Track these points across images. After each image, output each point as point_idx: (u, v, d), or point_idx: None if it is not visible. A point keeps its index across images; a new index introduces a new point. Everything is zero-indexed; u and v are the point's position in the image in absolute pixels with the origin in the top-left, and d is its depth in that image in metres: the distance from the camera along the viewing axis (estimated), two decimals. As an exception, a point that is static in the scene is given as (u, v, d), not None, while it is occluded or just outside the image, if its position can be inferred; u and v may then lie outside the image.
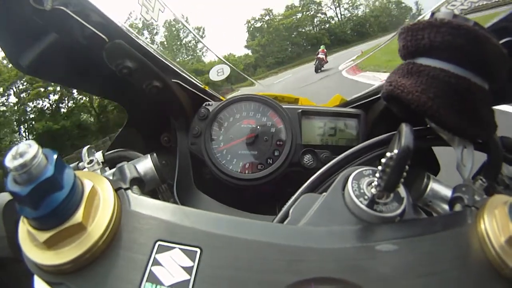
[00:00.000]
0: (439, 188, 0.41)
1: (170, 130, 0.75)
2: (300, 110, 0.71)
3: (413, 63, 0.38)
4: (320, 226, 0.30)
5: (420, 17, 0.40)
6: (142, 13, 0.65)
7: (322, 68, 15.73)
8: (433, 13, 0.37)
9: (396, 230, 0.29)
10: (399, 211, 0.30)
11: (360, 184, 0.31)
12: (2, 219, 0.38)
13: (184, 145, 0.70)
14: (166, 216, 0.29)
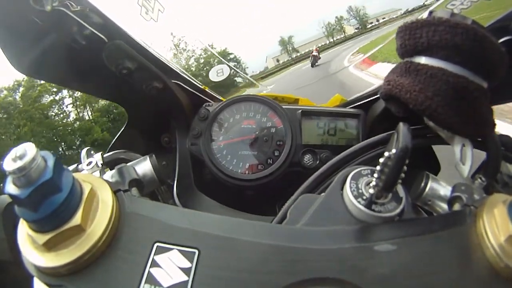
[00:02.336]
0: (438, 187, 0.41)
1: (170, 130, 0.75)
2: (300, 110, 0.72)
3: (411, 62, 0.38)
4: (319, 227, 0.30)
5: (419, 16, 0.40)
6: (141, 14, 0.65)
7: (316, 64, 18.73)
8: (431, 12, 0.37)
9: (395, 230, 0.29)
10: (397, 210, 0.30)
11: (358, 184, 0.31)
12: (2, 221, 0.38)
13: (184, 145, 0.70)
14: (164, 217, 0.29)
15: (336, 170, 0.41)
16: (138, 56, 0.57)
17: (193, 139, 0.70)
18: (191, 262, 0.27)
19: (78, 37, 0.52)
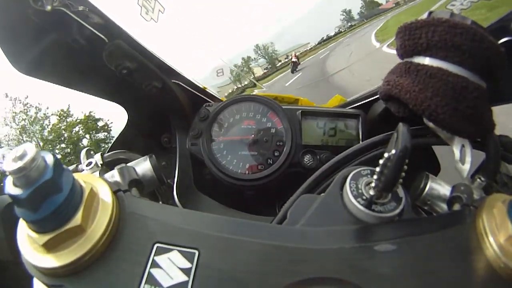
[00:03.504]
0: (438, 187, 0.41)
1: (170, 130, 0.75)
2: (300, 111, 0.72)
3: (411, 62, 0.38)
4: (319, 227, 0.30)
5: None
6: (141, 14, 0.65)
7: (297, 69, 19.20)
8: (430, 12, 0.37)
9: (395, 230, 0.29)
10: (397, 211, 0.30)
11: (358, 184, 0.31)
12: (2, 221, 0.38)
13: (184, 145, 0.70)
14: (164, 218, 0.29)
15: (335, 170, 0.41)
16: (138, 56, 0.57)
17: (193, 139, 0.70)
18: (191, 262, 0.27)
19: (78, 37, 0.52)
